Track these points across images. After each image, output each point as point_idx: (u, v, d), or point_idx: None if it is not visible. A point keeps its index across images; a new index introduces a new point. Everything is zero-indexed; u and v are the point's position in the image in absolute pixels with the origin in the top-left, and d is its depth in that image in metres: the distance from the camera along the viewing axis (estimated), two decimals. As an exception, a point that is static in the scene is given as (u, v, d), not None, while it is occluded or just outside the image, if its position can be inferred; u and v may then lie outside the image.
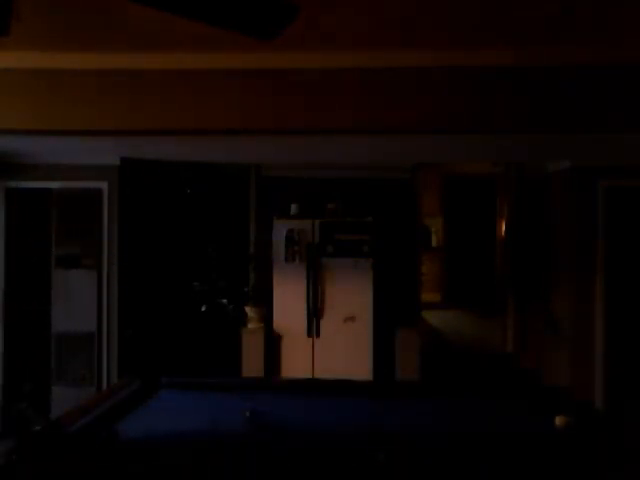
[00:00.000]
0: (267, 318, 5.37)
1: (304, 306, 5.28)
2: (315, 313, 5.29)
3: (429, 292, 9.06)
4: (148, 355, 5.32)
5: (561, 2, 2.42)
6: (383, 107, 3.10)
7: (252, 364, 5.23)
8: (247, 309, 5.43)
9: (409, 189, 5.87)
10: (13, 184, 5.07)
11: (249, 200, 5.87)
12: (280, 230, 5.30)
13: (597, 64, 2.96)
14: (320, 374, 5.18)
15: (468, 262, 9.64)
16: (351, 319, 5.27)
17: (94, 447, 1.95)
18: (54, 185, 5.04)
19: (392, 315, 5.54)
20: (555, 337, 5.15)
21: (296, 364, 5.29)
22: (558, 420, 2.28)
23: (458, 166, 7.78)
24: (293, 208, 5.46)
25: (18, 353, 5.12)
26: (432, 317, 8.32)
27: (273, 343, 5.32)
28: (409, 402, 2.69)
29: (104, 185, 5.06)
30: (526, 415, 2.51)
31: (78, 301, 5.03)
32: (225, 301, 5.91)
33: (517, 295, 6.63)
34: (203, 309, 5.94)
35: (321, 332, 5.29)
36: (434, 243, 9.69)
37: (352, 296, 5.27)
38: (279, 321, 5.32)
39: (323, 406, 2.62)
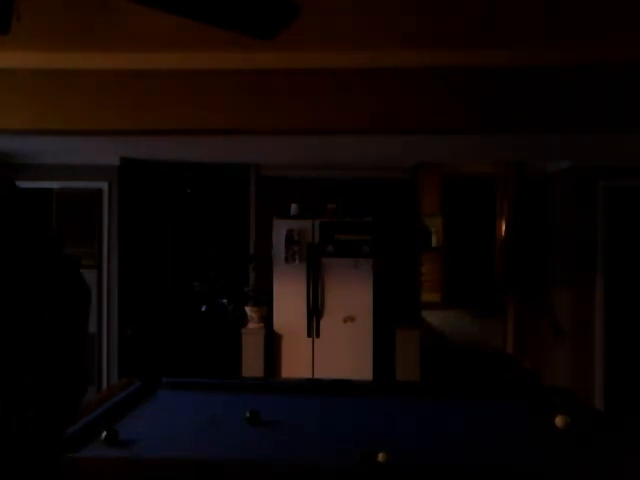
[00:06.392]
0: (267, 318, 5.37)
1: (304, 306, 5.28)
2: (315, 313, 5.29)
3: (429, 292, 9.06)
4: (148, 355, 5.32)
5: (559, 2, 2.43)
6: (382, 107, 3.10)
7: (252, 364, 5.23)
8: (247, 309, 5.43)
9: (409, 189, 5.87)
10: (13, 184, 5.07)
11: (249, 200, 5.87)
12: (280, 230, 5.30)
13: (597, 64, 2.96)
14: (320, 374, 5.18)
15: (468, 262, 9.64)
16: (351, 319, 5.27)
17: None
18: (54, 185, 5.05)
19: (392, 315, 5.53)
20: (562, 342, 5.14)
21: (296, 364, 5.29)
22: (558, 420, 2.28)
23: (458, 166, 7.76)
24: (293, 208, 5.45)
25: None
26: (432, 317, 8.32)
27: (273, 343, 5.32)
28: (409, 403, 2.69)
29: (104, 185, 5.06)
30: (526, 416, 2.51)
31: (78, 301, 5.02)
32: (225, 301, 5.91)
33: (517, 295, 6.63)
34: (203, 309, 5.94)
35: (321, 332, 5.29)
36: (434, 243, 9.69)
37: (352, 296, 5.27)
38: (279, 321, 5.32)
39: (322, 406, 2.62)
